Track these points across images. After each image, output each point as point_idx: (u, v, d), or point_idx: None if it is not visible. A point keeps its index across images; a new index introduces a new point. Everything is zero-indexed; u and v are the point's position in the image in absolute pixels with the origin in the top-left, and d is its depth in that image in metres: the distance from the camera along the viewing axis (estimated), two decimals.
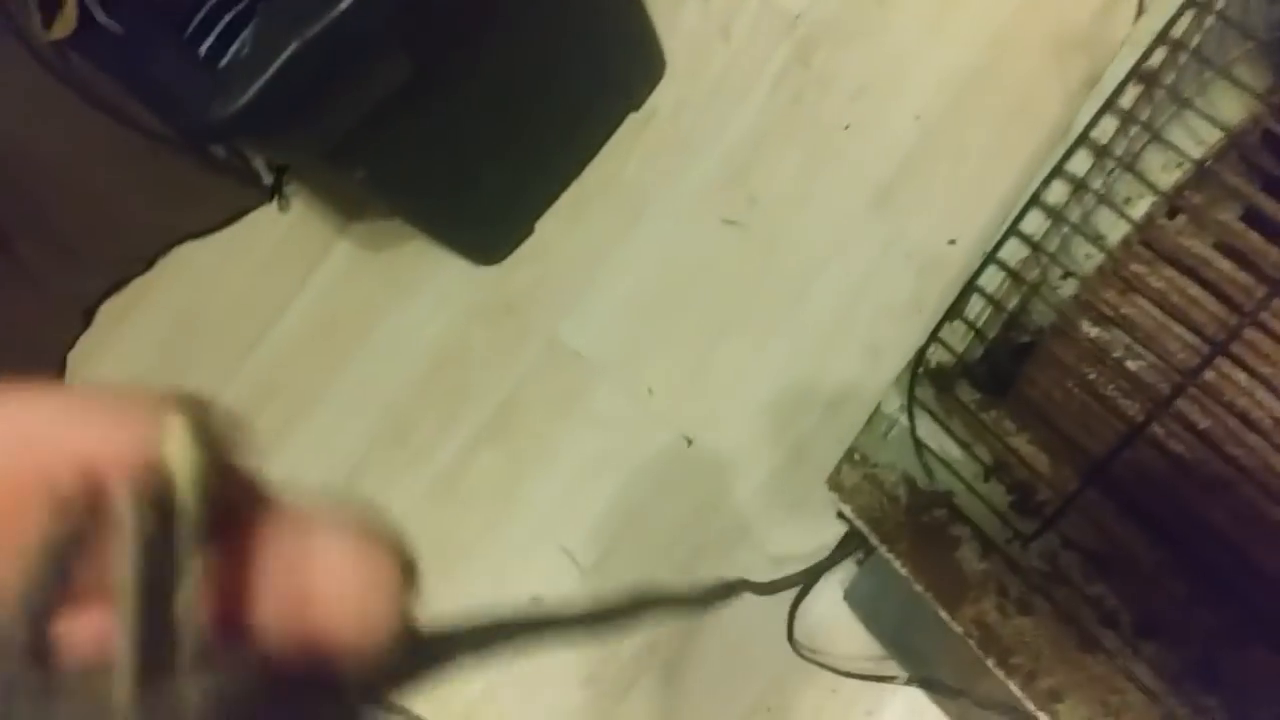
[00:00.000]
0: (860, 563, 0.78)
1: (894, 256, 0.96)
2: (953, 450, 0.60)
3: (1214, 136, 0.57)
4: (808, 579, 0.83)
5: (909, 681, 0.76)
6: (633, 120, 1.10)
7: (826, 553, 0.82)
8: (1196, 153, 0.55)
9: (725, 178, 1.05)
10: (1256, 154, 0.55)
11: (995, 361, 0.62)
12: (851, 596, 0.77)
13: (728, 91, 1.08)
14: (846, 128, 1.02)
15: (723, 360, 1.00)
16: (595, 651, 0.94)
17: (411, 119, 0.86)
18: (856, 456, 0.67)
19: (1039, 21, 0.98)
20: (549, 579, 0.98)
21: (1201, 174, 0.54)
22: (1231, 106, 0.58)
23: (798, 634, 0.82)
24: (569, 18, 0.96)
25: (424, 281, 1.11)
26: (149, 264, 1.24)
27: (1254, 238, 0.52)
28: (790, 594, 0.79)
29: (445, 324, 1.09)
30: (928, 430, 0.61)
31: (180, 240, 1.23)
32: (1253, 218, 0.53)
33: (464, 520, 1.03)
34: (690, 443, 0.98)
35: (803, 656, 0.79)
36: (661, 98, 1.10)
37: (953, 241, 0.93)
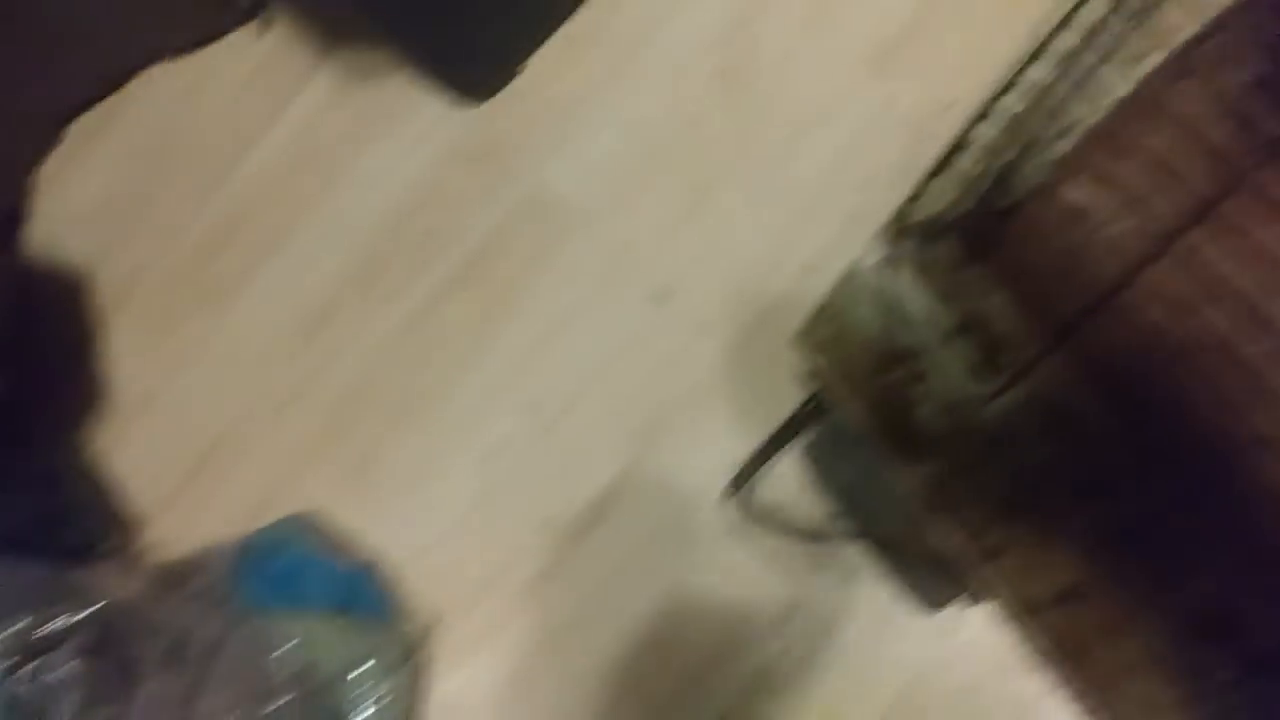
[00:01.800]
0: (819, 422, 0.78)
1: (888, 120, 0.94)
2: (927, 307, 0.60)
3: None
4: (766, 447, 0.83)
5: (852, 537, 0.78)
6: None
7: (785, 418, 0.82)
8: (1210, 12, 0.53)
9: (724, 28, 1.01)
10: (1270, 17, 0.53)
11: (981, 221, 0.60)
12: (810, 454, 0.77)
13: None
14: None
15: (703, 219, 0.98)
16: (552, 495, 0.95)
17: None
18: (829, 311, 0.66)
19: None
20: (508, 432, 0.98)
21: (1213, 31, 0.52)
22: None
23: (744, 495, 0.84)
24: None
25: (405, 118, 1.07)
26: (121, 84, 1.19)
27: (1257, 102, 0.50)
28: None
29: (424, 164, 1.06)
30: (904, 285, 0.60)
31: (154, 60, 1.18)
32: (1262, 81, 0.52)
33: (428, 365, 1.02)
34: (662, 300, 0.97)
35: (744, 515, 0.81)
36: None
37: (949, 106, 0.90)
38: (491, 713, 0.92)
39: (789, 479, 0.88)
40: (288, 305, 1.07)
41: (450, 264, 1.04)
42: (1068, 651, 0.59)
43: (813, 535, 0.86)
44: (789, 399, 0.82)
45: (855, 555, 0.86)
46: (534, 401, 0.99)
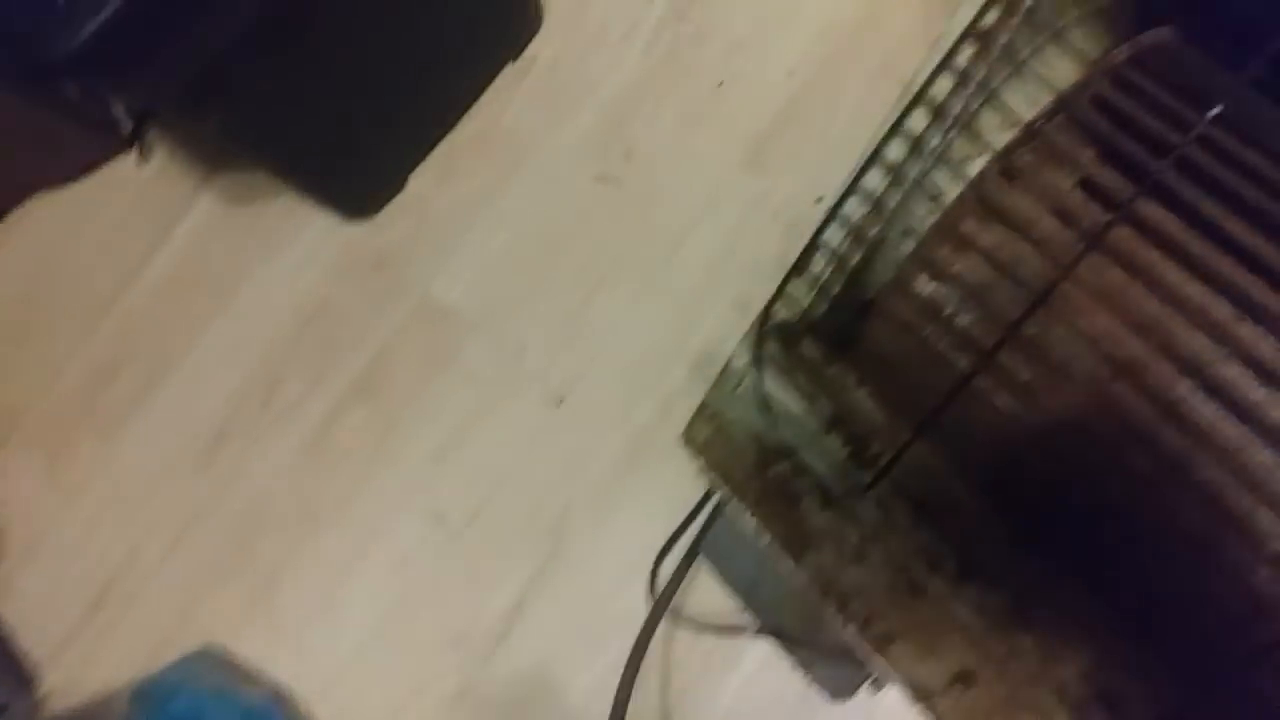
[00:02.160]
0: (715, 517, 0.78)
1: (763, 214, 0.97)
2: (797, 404, 0.61)
3: (1048, 98, 0.58)
4: (671, 537, 0.84)
5: (759, 632, 0.78)
6: (510, 70, 1.08)
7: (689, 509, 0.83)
8: (1030, 114, 0.57)
9: (601, 132, 1.04)
10: (1086, 117, 0.56)
11: (840, 317, 0.62)
12: (708, 549, 0.78)
13: (605, 45, 1.07)
14: (721, 84, 1.02)
15: (595, 317, 0.99)
16: (463, 607, 0.94)
17: (268, 62, 0.83)
18: (708, 411, 0.67)
19: None
20: (414, 543, 0.97)
21: (1033, 135, 0.55)
22: (1067, 69, 0.59)
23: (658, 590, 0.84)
24: None
25: (292, 237, 1.07)
26: (1, 217, 1.17)
27: (1077, 198, 0.53)
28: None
29: (313, 281, 1.06)
30: (774, 385, 0.62)
31: (34, 192, 1.17)
32: (1081, 181, 0.55)
33: (331, 481, 1.01)
34: (561, 400, 0.98)
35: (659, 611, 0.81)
36: (539, 48, 1.08)
37: (819, 199, 0.94)
38: None
39: (700, 574, 0.88)
40: (182, 431, 1.05)
41: (347, 377, 1.04)
42: None
43: (725, 630, 0.86)
44: (693, 491, 0.83)
45: (767, 648, 0.86)
46: (439, 511, 0.98)
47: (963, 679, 0.59)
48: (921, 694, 0.61)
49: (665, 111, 1.03)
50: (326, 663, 0.95)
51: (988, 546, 0.57)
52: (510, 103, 1.07)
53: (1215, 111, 0.49)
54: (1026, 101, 0.59)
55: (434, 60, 1.01)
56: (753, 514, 0.66)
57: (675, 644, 0.88)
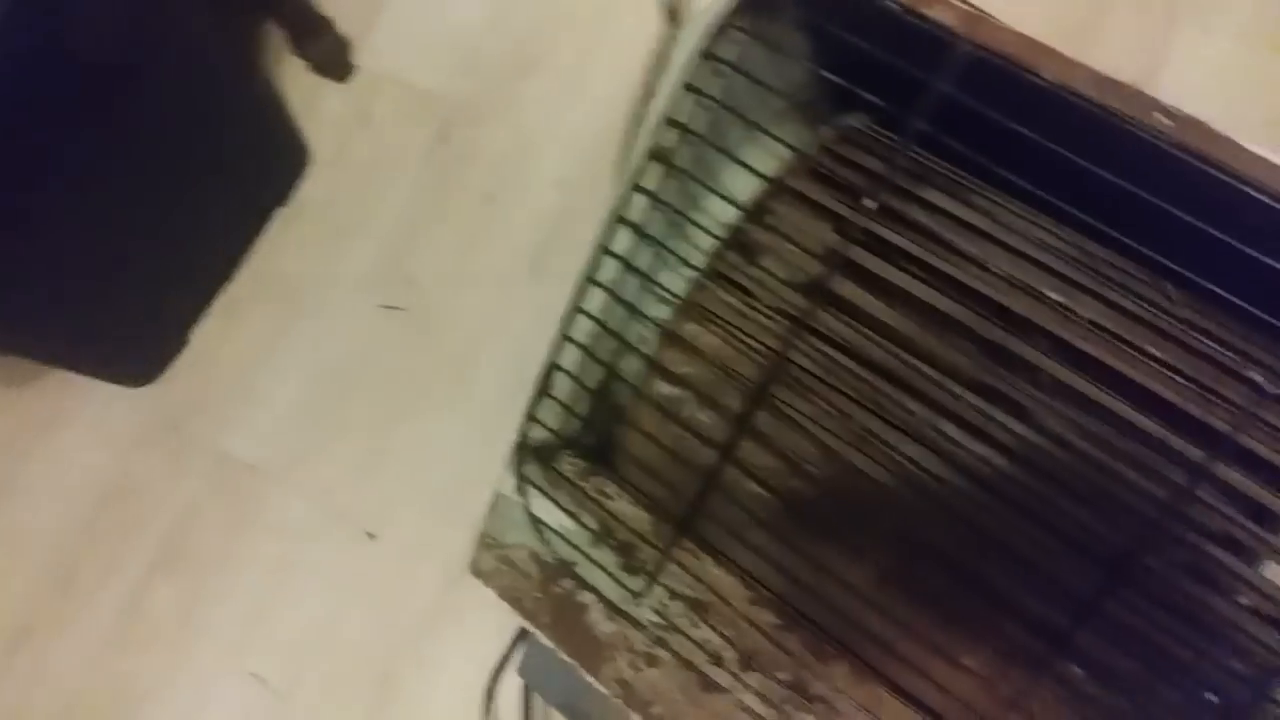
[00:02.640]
0: (526, 640, 0.78)
1: (550, 323, 0.98)
2: (565, 521, 0.62)
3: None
4: (497, 667, 0.83)
5: None
6: (282, 215, 1.08)
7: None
8: (722, 223, 0.60)
9: (382, 264, 1.05)
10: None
11: (596, 430, 0.64)
12: (523, 671, 0.77)
13: (376, 176, 1.08)
14: (491, 201, 1.04)
15: (398, 449, 0.99)
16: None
17: (13, 240, 0.80)
18: (488, 540, 0.67)
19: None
20: (243, 710, 0.93)
21: (732, 242, 0.58)
22: (744, 183, 0.62)
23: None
24: (190, 122, 0.93)
25: (73, 414, 1.03)
26: None
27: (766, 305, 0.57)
28: None
29: (101, 455, 1.02)
30: (540, 505, 0.63)
31: None
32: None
33: (145, 662, 0.96)
34: (373, 538, 0.96)
35: None
36: (310, 189, 1.09)
37: None
38: None
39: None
40: None
41: (149, 549, 1.00)
42: None
43: None
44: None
45: None
46: (261, 674, 0.94)
47: None
48: None
49: (442, 234, 1.04)
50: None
51: (760, 633, 0.59)
52: (286, 246, 1.07)
53: (873, 205, 0.53)
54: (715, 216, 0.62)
55: (197, 217, 1.00)
56: (547, 634, 0.66)
57: None
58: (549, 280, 1.02)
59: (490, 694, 0.85)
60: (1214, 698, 0.50)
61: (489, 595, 0.91)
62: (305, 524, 0.98)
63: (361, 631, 0.94)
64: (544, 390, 0.61)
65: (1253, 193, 0.43)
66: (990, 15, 0.46)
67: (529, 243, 1.03)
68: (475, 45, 1.09)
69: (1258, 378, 0.49)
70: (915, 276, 0.55)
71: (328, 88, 1.12)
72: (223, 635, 0.96)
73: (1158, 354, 0.53)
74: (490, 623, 0.89)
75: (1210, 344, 0.53)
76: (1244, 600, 0.50)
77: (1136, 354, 0.53)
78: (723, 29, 0.53)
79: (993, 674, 0.54)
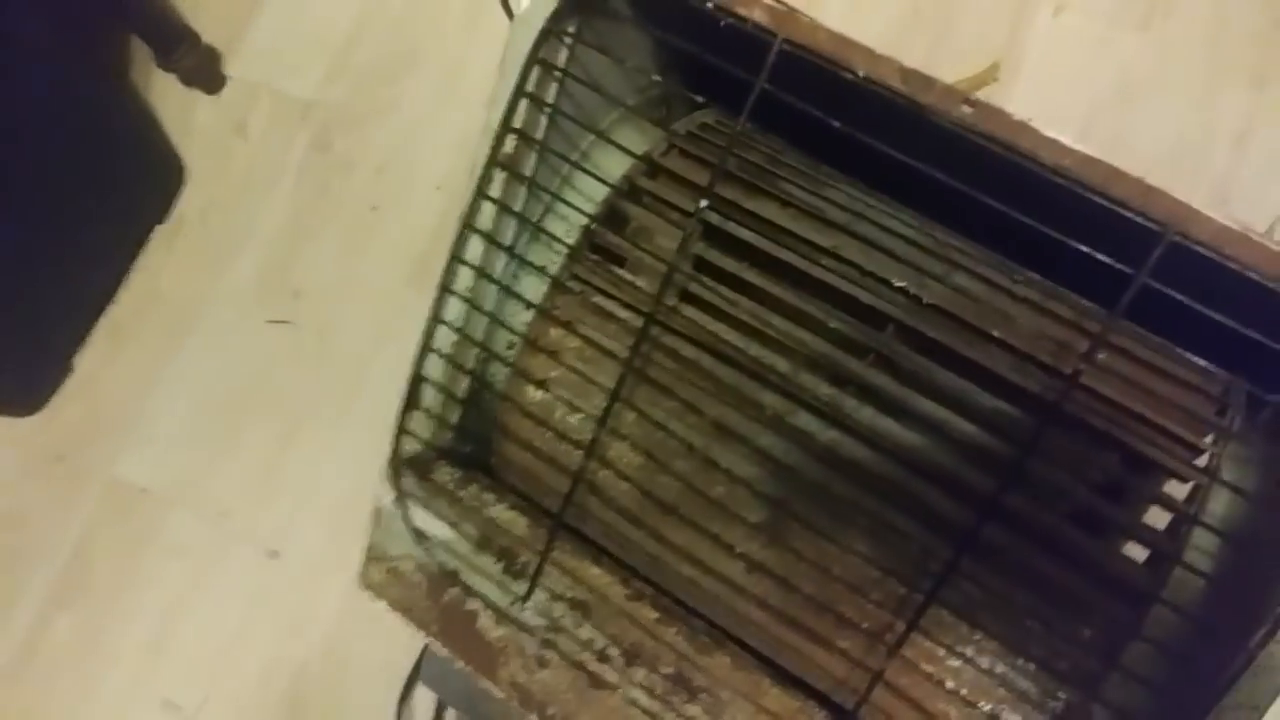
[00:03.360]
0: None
1: None
2: (446, 530, 0.63)
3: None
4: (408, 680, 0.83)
5: None
6: (161, 232, 1.06)
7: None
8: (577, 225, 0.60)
9: (266, 277, 1.03)
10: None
11: (473, 438, 0.65)
12: (426, 678, 0.78)
13: (254, 188, 1.06)
14: (375, 208, 1.04)
15: (294, 464, 0.98)
16: None
17: None
18: (375, 553, 0.67)
19: None
20: None
21: (587, 245, 0.59)
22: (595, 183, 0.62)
23: None
24: (56, 142, 0.91)
25: None
26: None
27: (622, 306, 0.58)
28: None
29: None
30: (421, 516, 0.63)
31: None
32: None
33: (49, 697, 0.94)
34: (275, 555, 0.95)
35: None
36: (187, 204, 1.07)
37: None
38: None
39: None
40: None
41: (45, 583, 0.98)
42: None
43: None
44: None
45: None
46: (170, 699, 0.93)
47: None
48: None
49: (326, 244, 1.03)
50: None
51: (643, 628, 0.60)
52: (166, 264, 1.05)
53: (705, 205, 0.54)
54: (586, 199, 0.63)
55: (71, 239, 0.98)
56: (440, 643, 0.67)
57: None
58: (433, 287, 1.01)
59: (404, 701, 0.85)
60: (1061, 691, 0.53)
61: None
62: (205, 545, 0.96)
63: (270, 649, 0.93)
64: (411, 402, 0.61)
65: (1054, 177, 0.45)
66: (800, 12, 0.47)
67: (414, 250, 1.02)
68: (347, 49, 1.07)
69: (1086, 352, 0.51)
70: (765, 271, 0.57)
71: (200, 100, 1.09)
72: (127, 665, 0.95)
73: (997, 334, 0.55)
74: (400, 632, 0.89)
75: (1048, 321, 0.55)
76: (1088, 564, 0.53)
77: (976, 335, 0.55)
78: (548, 34, 0.54)
79: (864, 652, 0.56)
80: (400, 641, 0.88)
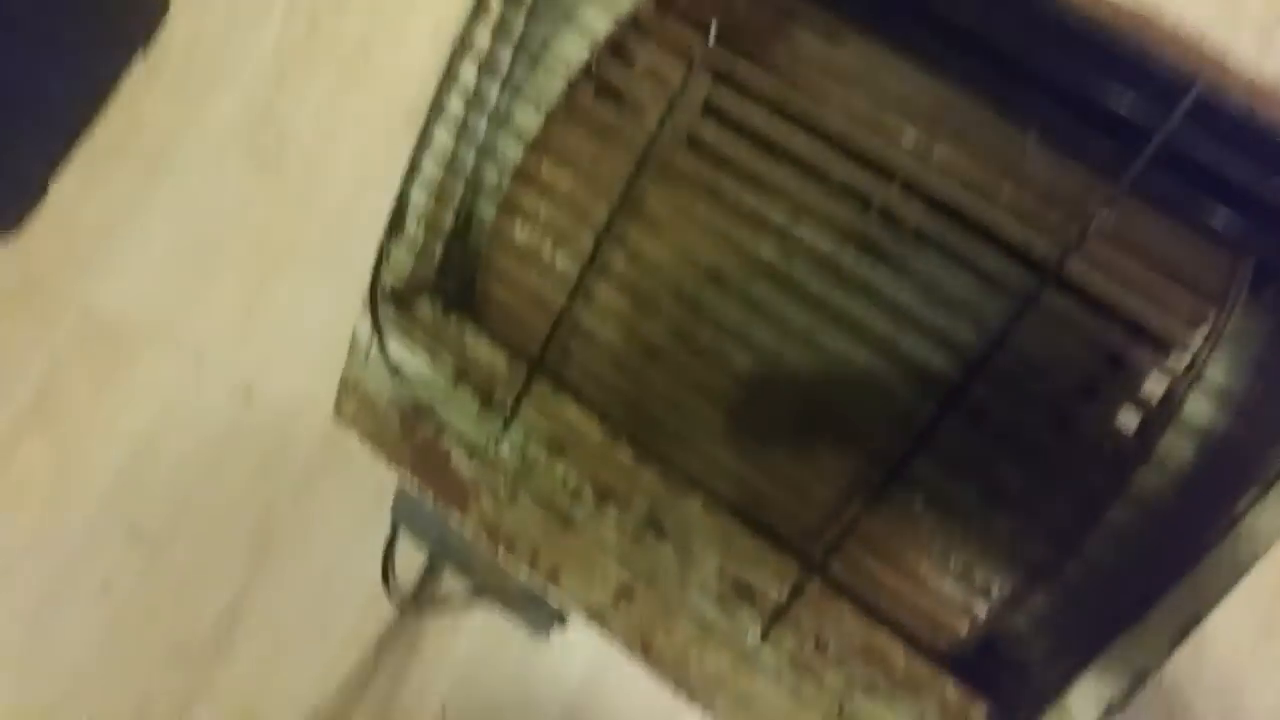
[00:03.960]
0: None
1: None
2: (424, 364, 0.62)
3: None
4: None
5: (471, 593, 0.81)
6: (142, 63, 1.02)
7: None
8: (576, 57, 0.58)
9: (251, 115, 1.00)
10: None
11: (457, 274, 0.63)
12: (396, 514, 0.78)
13: (240, 21, 1.02)
14: (366, 49, 1.00)
15: (272, 306, 0.96)
16: (178, 618, 0.90)
17: None
18: (349, 384, 0.67)
19: None
20: (116, 565, 0.92)
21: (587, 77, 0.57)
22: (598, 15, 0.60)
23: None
24: None
25: None
26: None
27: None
28: None
29: None
30: (399, 348, 0.62)
31: None
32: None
33: (15, 522, 0.94)
34: (249, 395, 0.95)
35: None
36: (170, 35, 1.03)
37: None
38: None
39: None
40: None
41: (14, 409, 0.97)
42: (638, 646, 0.63)
43: (441, 600, 0.87)
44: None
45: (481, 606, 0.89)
46: (136, 528, 0.93)
47: (624, 594, 0.62)
48: (595, 615, 0.64)
49: (314, 85, 1.00)
50: (45, 694, 0.89)
51: (617, 470, 0.60)
52: (147, 96, 1.01)
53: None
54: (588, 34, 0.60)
55: (50, 56, 0.94)
56: (411, 479, 0.67)
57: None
58: None
59: (389, 550, 0.85)
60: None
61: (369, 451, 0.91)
62: (178, 380, 0.96)
63: (240, 487, 0.93)
64: (394, 229, 0.60)
65: (1079, 23, 0.43)
66: None
67: (406, 94, 0.99)
68: None
69: (1092, 211, 0.50)
70: (771, 117, 0.55)
71: None
72: (93, 493, 0.95)
73: (1006, 191, 0.54)
74: (371, 477, 0.89)
75: (1061, 181, 0.54)
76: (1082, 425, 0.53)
77: (984, 193, 0.54)
78: None
79: (839, 503, 0.57)
80: (371, 485, 0.88)
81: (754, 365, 0.57)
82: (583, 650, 0.87)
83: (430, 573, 0.88)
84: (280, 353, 0.95)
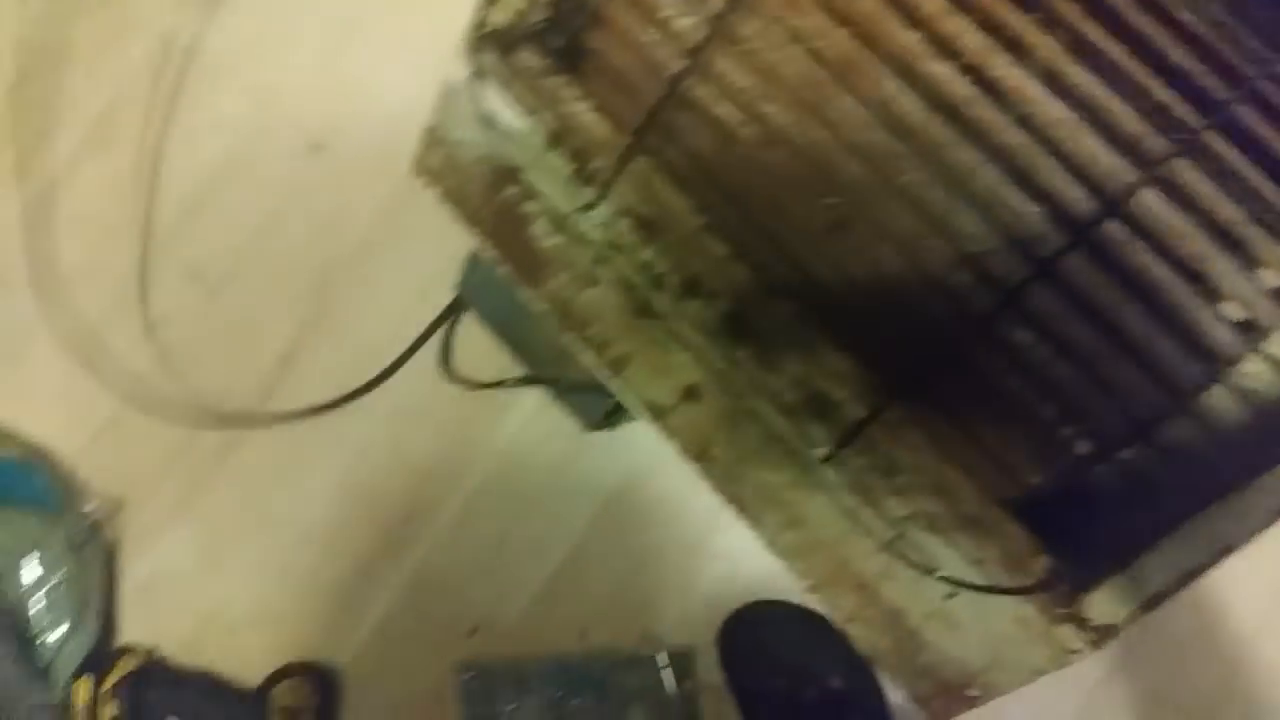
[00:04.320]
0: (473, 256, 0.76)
1: None
2: (519, 120, 0.58)
3: None
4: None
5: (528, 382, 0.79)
6: None
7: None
8: None
9: None
10: None
11: (560, 27, 0.59)
12: (462, 287, 0.76)
13: None
14: None
15: (352, 61, 0.92)
16: (231, 361, 0.90)
17: None
18: (436, 135, 0.64)
19: None
20: (172, 304, 0.92)
21: None
22: None
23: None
24: None
25: None
26: None
27: None
28: None
29: (27, 19, 0.94)
30: (495, 99, 0.58)
31: None
32: None
33: (71, 248, 0.93)
34: (318, 150, 0.91)
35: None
36: None
37: None
38: (191, 586, 0.88)
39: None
40: None
41: (78, 132, 0.94)
42: (695, 451, 0.62)
43: (494, 383, 0.86)
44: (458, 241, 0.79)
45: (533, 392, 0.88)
46: (197, 268, 0.92)
47: (690, 394, 0.60)
48: (656, 413, 0.62)
49: None
50: (84, 422, 0.90)
51: (708, 261, 0.57)
52: None
53: None
54: None
55: None
56: (488, 244, 0.64)
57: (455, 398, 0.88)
58: None
59: (448, 331, 0.84)
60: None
61: (436, 222, 0.88)
62: (250, 122, 0.92)
63: (301, 242, 0.91)
64: None
65: None
66: None
67: None
68: None
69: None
70: None
71: None
72: (157, 227, 0.93)
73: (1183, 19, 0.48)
74: (439, 245, 0.86)
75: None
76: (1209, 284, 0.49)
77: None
78: None
79: (928, 335, 0.53)
80: (433, 261, 0.86)
81: (865, 177, 0.53)
82: (628, 452, 0.86)
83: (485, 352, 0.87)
84: (355, 111, 0.91)
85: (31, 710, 0.79)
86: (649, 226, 0.57)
